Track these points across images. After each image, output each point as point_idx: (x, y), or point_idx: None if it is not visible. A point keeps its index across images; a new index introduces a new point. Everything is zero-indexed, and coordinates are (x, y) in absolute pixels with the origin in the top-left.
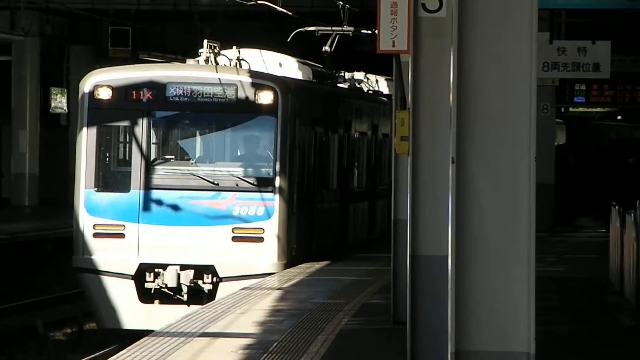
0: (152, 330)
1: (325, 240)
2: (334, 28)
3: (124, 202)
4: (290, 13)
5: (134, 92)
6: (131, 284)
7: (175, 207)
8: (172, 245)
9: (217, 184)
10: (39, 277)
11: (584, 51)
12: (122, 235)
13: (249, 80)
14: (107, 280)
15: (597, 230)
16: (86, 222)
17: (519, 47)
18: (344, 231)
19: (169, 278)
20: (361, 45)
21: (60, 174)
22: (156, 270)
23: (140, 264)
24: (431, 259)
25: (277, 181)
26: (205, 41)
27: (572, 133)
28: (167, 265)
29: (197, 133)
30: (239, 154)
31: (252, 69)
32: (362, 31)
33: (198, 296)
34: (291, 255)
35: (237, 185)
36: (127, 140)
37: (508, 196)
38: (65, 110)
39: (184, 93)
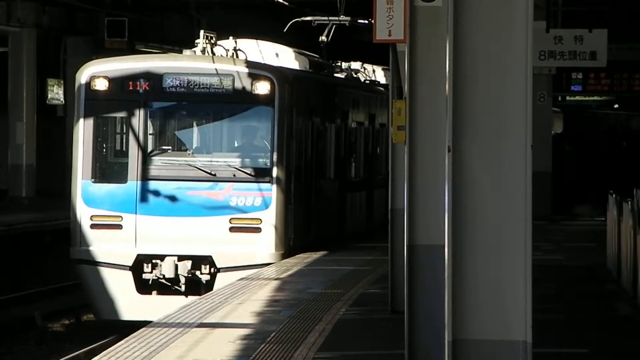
0: (150, 321)
1: (323, 230)
2: (330, 18)
3: (121, 193)
4: (286, 3)
5: (130, 83)
6: (129, 275)
7: (172, 198)
8: (170, 236)
9: (215, 175)
10: (36, 268)
11: (581, 39)
12: (119, 227)
13: (246, 70)
14: (104, 272)
15: (595, 219)
16: (83, 213)
17: (515, 35)
18: (342, 221)
19: (166, 269)
20: (358, 35)
21: (58, 165)
22: (154, 261)
23: (138, 255)
24: (428, 248)
25: (275, 171)
26: (202, 32)
27: (569, 122)
28: (165, 256)
29: (194, 124)
30: (236, 144)
31: (248, 59)
32: (359, 21)
33: (196, 287)
34: (289, 246)
35: (234, 175)
36: (124, 131)
37: (504, 184)
38: (62, 101)
39: (180, 84)
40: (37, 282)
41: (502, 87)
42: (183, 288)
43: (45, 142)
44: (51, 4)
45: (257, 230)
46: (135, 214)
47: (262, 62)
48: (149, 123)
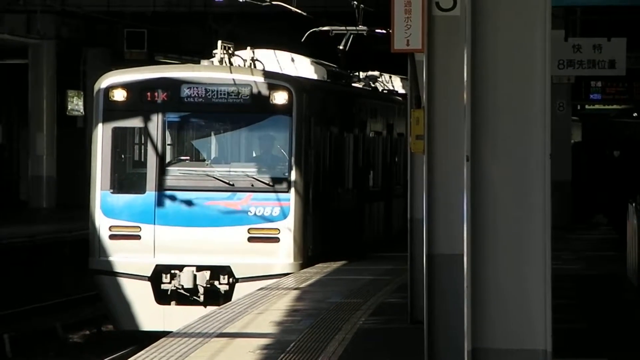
0: (170, 332)
1: (342, 240)
2: (348, 28)
3: (139, 204)
4: (304, 13)
5: (148, 93)
6: (147, 285)
7: (190, 208)
8: (188, 246)
9: (233, 185)
10: (57, 279)
11: (600, 48)
12: (138, 237)
13: (264, 80)
14: (123, 282)
15: (614, 227)
16: (102, 223)
17: (533, 44)
18: (360, 230)
19: (185, 279)
20: (376, 44)
21: (78, 176)
22: (172, 271)
23: (157, 266)
24: (447, 258)
25: (293, 181)
26: (219, 42)
27: (588, 130)
28: (184, 266)
29: (212, 134)
30: (254, 154)
31: (266, 69)
32: (377, 31)
33: (214, 297)
34: (307, 255)
35: (252, 185)
36: (142, 142)
37: (523, 194)
38: (81, 112)
39: (198, 94)
40: (58, 293)
41: (520, 96)
42: (202, 298)
43: (65, 153)
44: (71, 16)
45: (276, 240)
46: (154, 224)
47: (280, 72)
48: (167, 133)
